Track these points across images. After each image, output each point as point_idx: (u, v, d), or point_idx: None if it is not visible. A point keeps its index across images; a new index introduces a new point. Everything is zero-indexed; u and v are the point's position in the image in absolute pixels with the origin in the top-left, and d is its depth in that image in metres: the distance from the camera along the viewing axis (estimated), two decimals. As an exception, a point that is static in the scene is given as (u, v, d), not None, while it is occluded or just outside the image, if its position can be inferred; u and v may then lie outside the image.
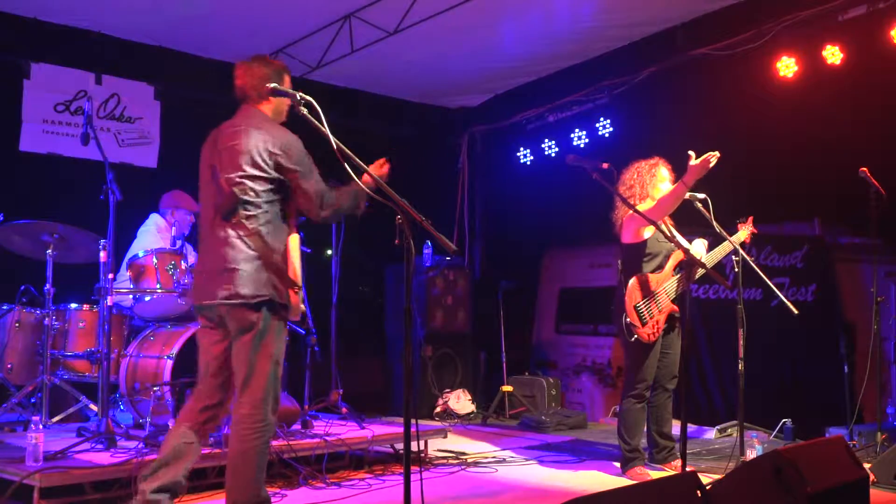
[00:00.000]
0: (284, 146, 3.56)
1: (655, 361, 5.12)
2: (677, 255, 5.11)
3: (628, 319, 5.03)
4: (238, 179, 3.52)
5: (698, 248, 5.15)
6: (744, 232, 5.28)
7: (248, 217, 3.53)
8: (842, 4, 6.17)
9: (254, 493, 3.56)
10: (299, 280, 3.67)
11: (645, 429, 5.26)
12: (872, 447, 5.23)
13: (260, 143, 3.54)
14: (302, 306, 3.73)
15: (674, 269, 5.13)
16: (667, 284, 5.10)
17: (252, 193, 3.52)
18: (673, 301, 5.09)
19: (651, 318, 5.04)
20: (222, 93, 7.75)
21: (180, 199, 6.17)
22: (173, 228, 5.89)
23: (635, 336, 5.01)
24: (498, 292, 8.36)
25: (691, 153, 4.71)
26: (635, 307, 5.04)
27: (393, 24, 6.91)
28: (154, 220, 6.14)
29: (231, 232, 3.53)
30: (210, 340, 3.69)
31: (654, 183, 5.18)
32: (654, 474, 5.03)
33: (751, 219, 5.33)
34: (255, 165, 3.53)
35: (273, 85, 3.54)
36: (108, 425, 4.57)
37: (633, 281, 5.07)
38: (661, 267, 5.13)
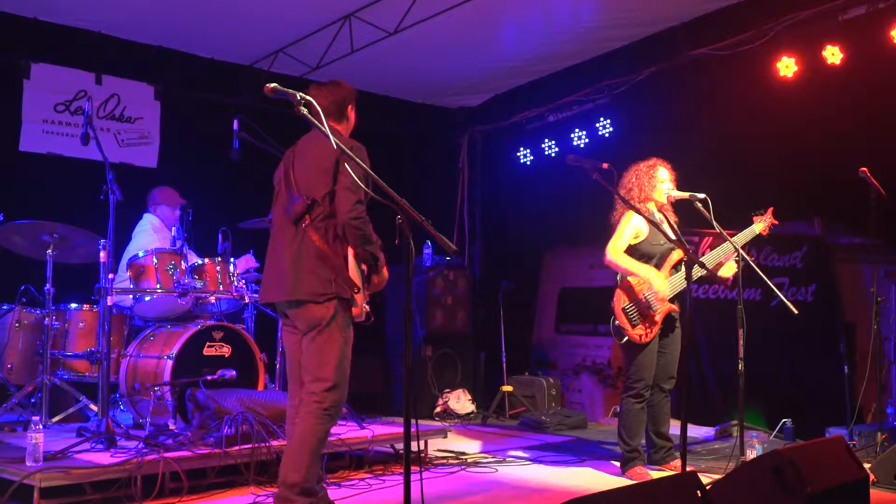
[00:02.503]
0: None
1: (653, 360, 5.12)
2: (674, 257, 5.11)
3: (617, 322, 5.08)
4: (308, 188, 3.75)
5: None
6: (760, 224, 5.20)
7: (313, 221, 3.73)
8: (842, 4, 6.17)
9: (303, 479, 3.68)
10: (358, 283, 3.79)
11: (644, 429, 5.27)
12: (872, 447, 5.22)
13: (326, 154, 3.69)
14: (366, 307, 3.88)
15: (671, 270, 5.14)
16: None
17: (319, 200, 3.73)
18: (671, 301, 5.10)
19: (642, 320, 5.05)
20: (222, 93, 7.86)
21: (161, 194, 6.15)
22: (174, 229, 5.89)
23: (626, 338, 5.05)
24: (498, 292, 8.36)
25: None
26: (623, 309, 5.07)
27: (393, 24, 6.91)
28: (148, 219, 6.14)
29: (298, 234, 3.74)
30: (291, 340, 3.93)
31: (654, 184, 5.17)
32: (654, 474, 5.03)
33: (770, 210, 5.24)
34: (320, 176, 3.73)
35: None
36: (108, 425, 4.57)
37: (619, 284, 5.13)
38: (657, 268, 5.13)
